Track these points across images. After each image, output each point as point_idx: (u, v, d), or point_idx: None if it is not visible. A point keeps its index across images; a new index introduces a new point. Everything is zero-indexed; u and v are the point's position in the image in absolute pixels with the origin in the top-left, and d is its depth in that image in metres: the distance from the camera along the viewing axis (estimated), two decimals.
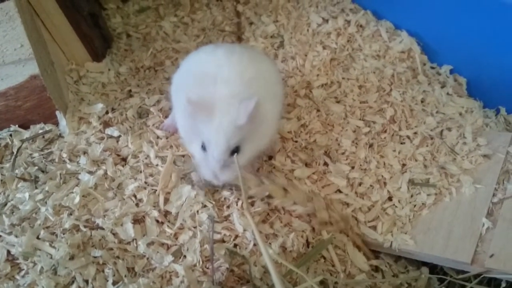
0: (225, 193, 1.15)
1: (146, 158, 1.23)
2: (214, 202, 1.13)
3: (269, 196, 1.14)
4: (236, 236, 1.09)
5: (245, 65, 1.08)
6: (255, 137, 1.05)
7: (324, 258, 1.14)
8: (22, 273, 1.01)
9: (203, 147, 1.03)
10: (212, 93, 1.01)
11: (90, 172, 1.19)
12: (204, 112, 0.99)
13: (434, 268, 1.20)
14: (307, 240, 1.14)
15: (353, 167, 1.29)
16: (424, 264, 1.19)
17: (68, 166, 1.20)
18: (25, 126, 1.30)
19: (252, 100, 0.98)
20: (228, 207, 1.14)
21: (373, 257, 1.18)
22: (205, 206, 1.13)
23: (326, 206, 1.15)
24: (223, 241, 1.09)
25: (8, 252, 1.03)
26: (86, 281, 0.99)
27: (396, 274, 1.18)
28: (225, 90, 1.01)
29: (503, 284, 1.06)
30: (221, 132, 0.99)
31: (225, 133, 0.99)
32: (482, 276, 1.07)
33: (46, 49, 1.36)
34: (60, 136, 1.29)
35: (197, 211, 1.11)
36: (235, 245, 1.08)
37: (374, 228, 1.19)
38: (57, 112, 1.29)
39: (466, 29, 1.46)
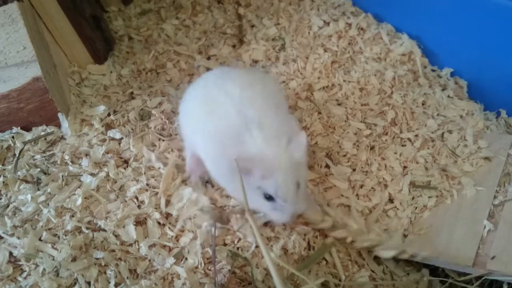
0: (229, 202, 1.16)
1: (148, 162, 1.23)
2: (214, 206, 1.14)
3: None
4: (239, 239, 1.10)
5: (265, 99, 1.06)
6: (302, 165, 1.04)
7: (326, 260, 1.14)
8: (24, 274, 1.01)
9: (269, 198, 0.99)
10: (251, 144, 0.98)
11: (92, 174, 1.19)
12: (253, 165, 0.95)
13: (435, 270, 1.20)
14: (308, 243, 1.14)
15: (354, 169, 1.29)
16: (425, 266, 1.19)
17: (70, 168, 1.21)
18: (27, 128, 1.30)
19: (302, 134, 1.00)
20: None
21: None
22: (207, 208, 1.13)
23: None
24: (224, 243, 1.09)
25: (10, 253, 1.04)
26: (88, 283, 1.00)
27: (397, 276, 1.18)
28: (263, 136, 0.98)
29: (505, 287, 1.06)
30: (287, 175, 0.96)
31: (291, 175, 0.97)
32: (483, 278, 1.07)
33: (49, 51, 1.36)
34: (62, 138, 1.30)
35: (198, 213, 1.12)
36: (237, 248, 1.08)
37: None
38: (59, 114, 1.29)
39: (466, 32, 1.46)
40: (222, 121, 1.02)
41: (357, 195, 1.24)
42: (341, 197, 1.23)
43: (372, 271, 1.16)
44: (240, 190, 0.94)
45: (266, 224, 1.13)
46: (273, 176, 0.96)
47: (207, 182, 1.19)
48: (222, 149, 1.01)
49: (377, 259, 1.19)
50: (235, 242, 1.09)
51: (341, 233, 1.13)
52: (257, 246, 1.07)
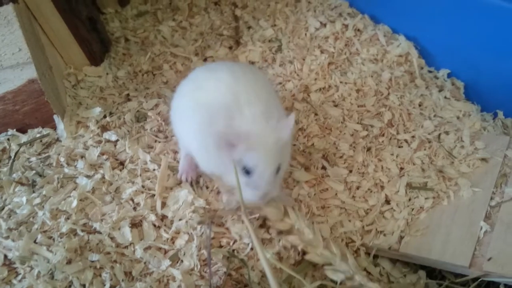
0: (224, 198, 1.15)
1: (145, 164, 1.22)
2: (209, 207, 1.14)
3: None
4: (234, 241, 1.09)
5: (253, 85, 1.06)
6: (286, 149, 1.05)
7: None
8: (19, 277, 1.00)
9: (247, 172, 0.98)
10: (240, 120, 0.98)
11: (87, 176, 1.19)
12: (239, 139, 0.96)
13: (432, 272, 1.20)
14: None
15: (351, 171, 1.29)
16: (422, 267, 1.19)
17: (66, 170, 1.20)
18: (23, 130, 1.30)
19: (291, 116, 1.00)
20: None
21: None
22: (202, 210, 1.13)
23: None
24: (220, 245, 1.09)
25: (5, 256, 1.03)
26: (83, 286, 0.99)
27: (394, 277, 1.18)
28: (253, 112, 0.99)
29: None
30: (269, 153, 0.97)
31: (273, 154, 0.97)
32: (480, 279, 1.07)
33: (44, 53, 1.36)
34: (58, 140, 1.29)
35: (193, 215, 1.11)
36: (233, 250, 1.08)
37: (372, 231, 1.19)
38: (55, 116, 1.29)
39: (463, 33, 1.46)
40: (213, 98, 1.03)
41: (353, 196, 1.24)
42: (337, 198, 1.23)
43: (369, 273, 1.16)
44: (221, 165, 1.00)
45: (261, 226, 1.13)
46: (256, 150, 0.96)
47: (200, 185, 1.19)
48: (210, 123, 1.00)
49: (374, 261, 1.19)
50: (231, 244, 1.09)
51: (294, 240, 1.06)
52: (252, 248, 1.07)
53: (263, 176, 0.98)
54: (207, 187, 1.19)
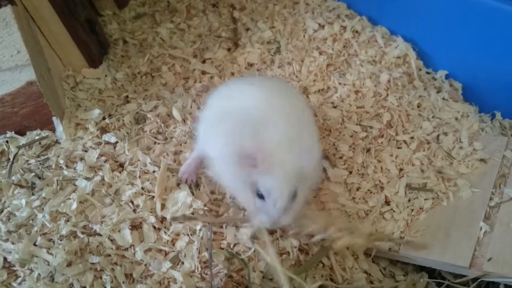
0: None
1: (144, 166, 1.22)
2: (209, 207, 1.14)
3: None
4: (235, 244, 1.09)
5: (287, 106, 1.05)
6: (307, 180, 1.00)
7: (323, 263, 1.14)
8: (19, 280, 1.00)
9: (260, 196, 0.96)
10: (265, 142, 0.95)
11: (87, 178, 1.18)
12: (260, 162, 0.93)
13: (432, 273, 1.20)
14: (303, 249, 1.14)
15: (350, 172, 1.29)
16: (422, 268, 1.19)
17: (65, 172, 1.20)
18: (22, 133, 1.30)
19: (316, 149, 0.98)
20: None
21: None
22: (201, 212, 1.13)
23: None
24: (220, 247, 1.09)
25: (5, 259, 1.03)
26: None
27: (394, 278, 1.18)
28: (278, 137, 0.96)
29: None
30: (286, 179, 0.94)
31: (289, 182, 0.94)
32: (480, 280, 1.07)
33: (43, 55, 1.36)
34: (57, 142, 1.29)
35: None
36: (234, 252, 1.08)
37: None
38: (54, 118, 1.28)
39: (461, 35, 1.47)
40: (243, 111, 1.02)
41: (353, 198, 1.24)
42: (337, 201, 1.23)
43: (369, 274, 1.16)
44: (237, 182, 0.99)
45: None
46: (272, 174, 0.93)
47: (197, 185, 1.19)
48: (234, 134, 0.99)
49: (375, 261, 1.19)
50: (231, 246, 1.09)
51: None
52: (254, 250, 1.07)
53: (277, 203, 0.94)
54: (212, 193, 1.19)
